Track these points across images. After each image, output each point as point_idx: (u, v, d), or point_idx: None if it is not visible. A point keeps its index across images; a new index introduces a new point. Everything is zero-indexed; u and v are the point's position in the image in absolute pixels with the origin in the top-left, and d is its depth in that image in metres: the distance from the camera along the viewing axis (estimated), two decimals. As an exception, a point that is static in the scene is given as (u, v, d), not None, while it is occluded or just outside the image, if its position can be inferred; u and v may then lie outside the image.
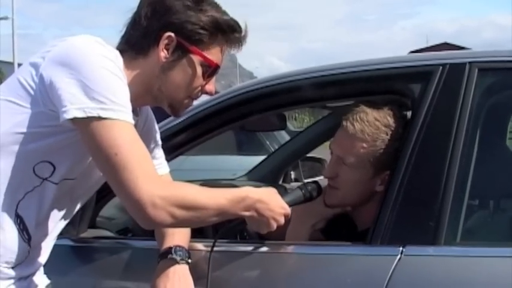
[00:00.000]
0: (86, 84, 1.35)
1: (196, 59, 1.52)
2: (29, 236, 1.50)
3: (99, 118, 1.35)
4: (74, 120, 1.35)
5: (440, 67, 1.73)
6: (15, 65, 27.12)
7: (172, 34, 1.50)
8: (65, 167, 1.47)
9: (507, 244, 1.66)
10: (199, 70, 1.53)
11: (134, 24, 1.54)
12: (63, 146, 1.43)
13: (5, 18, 30.61)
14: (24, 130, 1.41)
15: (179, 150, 2.05)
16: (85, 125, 1.36)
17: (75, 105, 1.34)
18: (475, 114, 1.68)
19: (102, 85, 1.36)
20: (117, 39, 1.57)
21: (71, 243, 1.87)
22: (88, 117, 1.34)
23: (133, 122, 1.41)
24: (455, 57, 1.79)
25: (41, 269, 1.62)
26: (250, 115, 2.07)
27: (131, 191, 1.36)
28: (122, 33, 1.56)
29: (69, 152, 1.45)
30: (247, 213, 1.56)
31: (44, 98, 1.39)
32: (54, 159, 1.45)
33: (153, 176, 1.40)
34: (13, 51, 28.48)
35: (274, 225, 1.61)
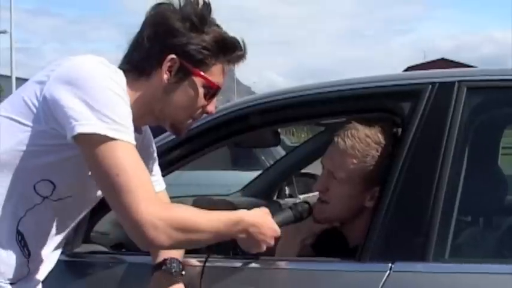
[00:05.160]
0: (91, 104, 1.35)
1: (198, 80, 1.54)
2: (29, 252, 1.51)
3: (103, 137, 1.35)
4: (78, 136, 1.35)
5: (430, 86, 1.76)
6: (13, 79, 27.11)
7: (175, 56, 1.50)
8: (65, 186, 1.48)
9: (494, 261, 1.69)
10: (201, 92, 1.55)
11: (137, 45, 1.55)
12: (64, 165, 1.44)
13: (3, 32, 30.66)
14: (25, 148, 1.42)
15: (175, 165, 2.06)
16: (88, 142, 1.36)
17: (80, 121, 1.35)
18: (463, 132, 1.71)
19: (107, 106, 1.37)
20: (115, 53, 1.59)
21: (65, 258, 1.87)
22: (92, 134, 1.35)
23: (135, 143, 1.41)
24: (445, 76, 1.82)
25: (40, 284, 1.62)
26: (246, 131, 2.09)
27: (133, 213, 1.36)
28: (125, 53, 1.57)
29: (69, 171, 1.46)
30: (240, 236, 1.60)
31: (47, 116, 1.40)
32: (54, 177, 1.46)
33: (153, 198, 1.40)
34: (11, 65, 28.45)
35: (264, 248, 1.66)
